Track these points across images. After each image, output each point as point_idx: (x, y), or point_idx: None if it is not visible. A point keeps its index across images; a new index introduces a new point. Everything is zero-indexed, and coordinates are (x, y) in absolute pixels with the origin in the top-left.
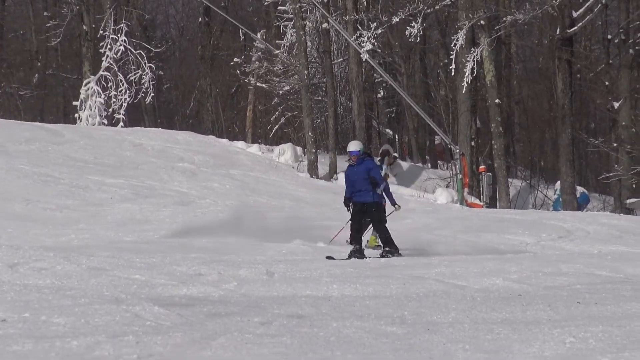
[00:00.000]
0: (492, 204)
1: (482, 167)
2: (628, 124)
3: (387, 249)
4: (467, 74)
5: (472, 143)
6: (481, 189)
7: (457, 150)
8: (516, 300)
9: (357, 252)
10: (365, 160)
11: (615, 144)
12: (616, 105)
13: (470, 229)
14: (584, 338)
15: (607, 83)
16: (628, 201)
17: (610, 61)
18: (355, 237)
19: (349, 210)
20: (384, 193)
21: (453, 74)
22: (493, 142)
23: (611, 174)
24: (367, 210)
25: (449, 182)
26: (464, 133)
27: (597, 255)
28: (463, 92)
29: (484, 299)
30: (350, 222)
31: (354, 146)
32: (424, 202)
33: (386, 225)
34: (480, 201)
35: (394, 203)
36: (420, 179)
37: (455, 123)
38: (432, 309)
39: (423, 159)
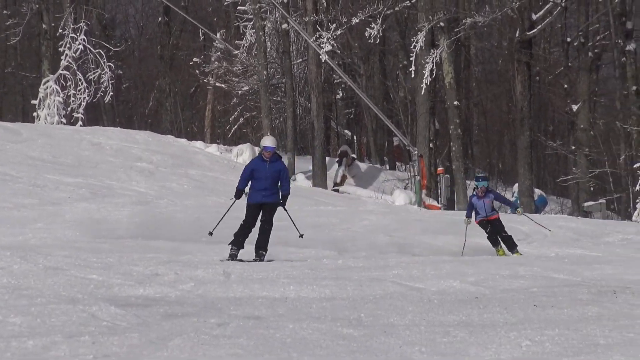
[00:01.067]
0: (449, 205)
1: (440, 168)
2: (586, 127)
3: (262, 252)
4: (426, 75)
5: (431, 145)
6: (439, 190)
7: (416, 152)
8: (473, 303)
9: (234, 258)
10: (278, 161)
11: (573, 147)
12: (575, 108)
13: (427, 231)
14: (540, 341)
15: (565, 86)
16: (586, 204)
17: (570, 64)
18: (238, 242)
19: (232, 198)
20: (500, 200)
21: (412, 75)
22: (451, 143)
23: (569, 176)
24: (266, 209)
25: (407, 184)
26: (423, 134)
27: (554, 258)
28: (422, 93)
29: (441, 302)
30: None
31: (270, 142)
32: (381, 203)
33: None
34: (438, 203)
35: (516, 207)
36: (379, 180)
37: (414, 124)
38: (388, 311)
39: (381, 160)
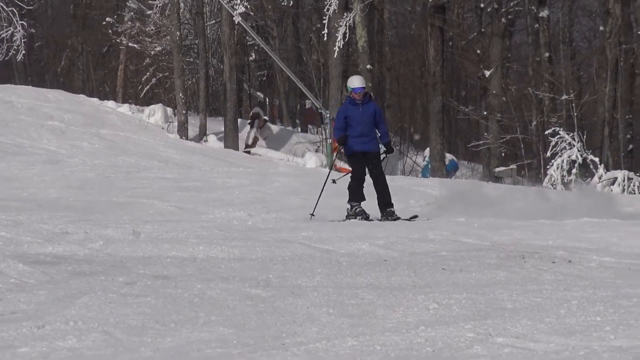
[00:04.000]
0: None
1: None
2: (498, 93)
3: (390, 209)
4: (339, 39)
5: None
6: None
7: (328, 115)
8: (382, 265)
9: (364, 213)
10: (371, 101)
11: (485, 112)
12: (487, 73)
13: (339, 194)
14: (448, 305)
15: (478, 51)
16: (496, 169)
17: (483, 30)
18: (359, 195)
19: (342, 148)
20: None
21: (325, 38)
22: None
23: (481, 142)
24: (370, 160)
25: (318, 147)
26: (335, 98)
27: (463, 222)
28: (335, 57)
29: (350, 264)
30: (351, 174)
31: (359, 82)
32: (293, 165)
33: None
34: (349, 166)
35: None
36: (290, 142)
37: (327, 88)
38: (297, 272)
39: (293, 123)
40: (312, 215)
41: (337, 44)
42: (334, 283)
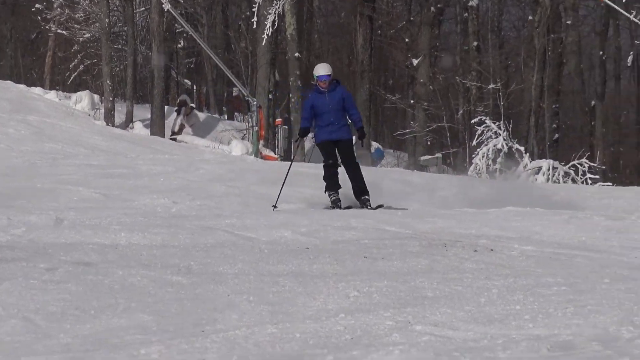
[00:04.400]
0: (287, 157)
1: (278, 120)
2: (426, 81)
3: (364, 197)
4: (268, 26)
5: (270, 96)
6: (277, 141)
7: (255, 103)
8: (303, 253)
9: (338, 202)
10: (339, 87)
11: (412, 101)
12: (415, 62)
13: (264, 181)
14: (369, 292)
15: (407, 40)
16: (422, 158)
17: (412, 18)
18: (334, 184)
19: (297, 141)
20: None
21: (254, 26)
22: (291, 95)
23: (407, 130)
24: (341, 149)
25: (244, 134)
26: (262, 86)
27: (386, 211)
28: (263, 44)
29: (272, 252)
30: (324, 165)
31: (324, 69)
32: (219, 153)
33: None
34: (275, 154)
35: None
36: (217, 130)
37: (254, 75)
38: (219, 259)
39: (220, 110)
40: (275, 207)
41: (266, 31)
42: (256, 270)
